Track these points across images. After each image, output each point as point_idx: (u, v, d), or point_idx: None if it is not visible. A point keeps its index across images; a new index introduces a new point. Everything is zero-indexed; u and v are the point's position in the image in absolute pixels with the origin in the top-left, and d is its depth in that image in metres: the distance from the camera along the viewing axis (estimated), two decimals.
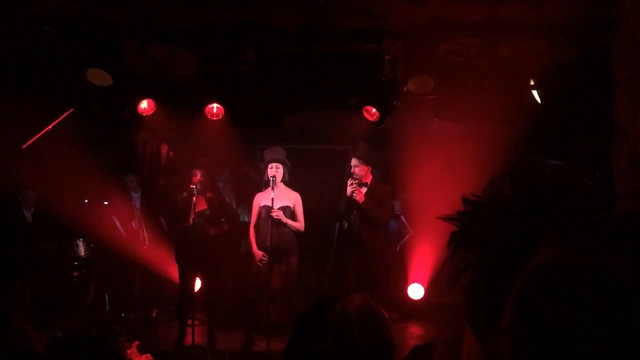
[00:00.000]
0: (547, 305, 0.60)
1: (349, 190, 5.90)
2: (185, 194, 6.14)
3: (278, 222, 5.79)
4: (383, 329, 1.54)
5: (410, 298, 7.52)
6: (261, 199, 6.00)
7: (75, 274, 7.25)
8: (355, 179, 5.94)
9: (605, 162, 4.48)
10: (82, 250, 7.33)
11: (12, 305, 5.88)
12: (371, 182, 6.07)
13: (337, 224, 6.79)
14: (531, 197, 0.92)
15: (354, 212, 5.98)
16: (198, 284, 6.56)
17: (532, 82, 5.55)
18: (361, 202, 5.90)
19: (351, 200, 5.91)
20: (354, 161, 6.02)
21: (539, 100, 5.54)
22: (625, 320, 0.56)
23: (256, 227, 6.04)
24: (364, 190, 5.99)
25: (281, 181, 5.93)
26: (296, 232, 5.96)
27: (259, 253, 5.88)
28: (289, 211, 5.93)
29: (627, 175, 4.07)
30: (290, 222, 5.90)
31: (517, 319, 0.64)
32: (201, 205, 6.12)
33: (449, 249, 0.98)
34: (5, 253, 6.45)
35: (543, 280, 0.62)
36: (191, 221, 5.93)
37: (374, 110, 5.60)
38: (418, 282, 7.50)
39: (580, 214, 0.84)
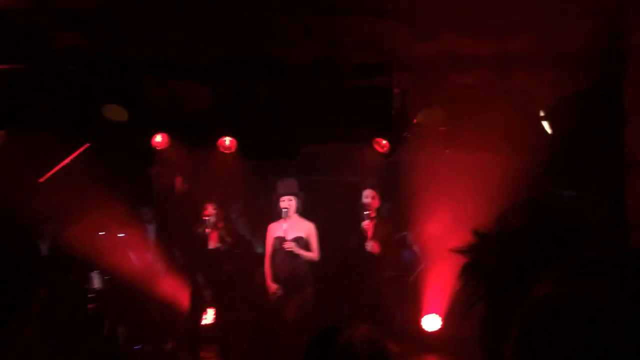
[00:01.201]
0: (543, 338, 0.63)
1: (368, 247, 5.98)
2: (200, 229, 6.19)
3: (291, 254, 5.81)
4: (387, 358, 1.56)
5: (425, 330, 7.43)
6: (275, 230, 6.03)
7: (90, 306, 7.26)
8: (368, 212, 5.97)
9: (619, 192, 4.47)
10: (97, 282, 7.35)
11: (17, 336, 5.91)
12: (378, 217, 6.10)
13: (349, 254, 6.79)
14: (542, 229, 0.94)
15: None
16: (211, 315, 6.54)
17: (542, 113, 5.58)
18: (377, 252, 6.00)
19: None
20: (366, 192, 6.05)
21: (549, 131, 5.56)
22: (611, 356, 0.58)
23: (271, 257, 6.05)
24: (373, 222, 6.03)
25: (295, 212, 5.97)
26: (311, 263, 5.95)
27: (273, 286, 5.87)
28: (302, 242, 5.94)
29: None
30: (303, 252, 5.90)
31: (517, 351, 0.67)
32: (215, 238, 6.16)
33: (460, 280, 1.00)
34: (17, 286, 6.49)
35: (540, 315, 0.65)
36: (206, 255, 5.97)
37: (384, 142, 5.65)
38: (434, 313, 7.41)
39: (593, 246, 0.86)
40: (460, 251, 1.00)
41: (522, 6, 4.35)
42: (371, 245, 5.90)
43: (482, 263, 0.95)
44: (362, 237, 6.02)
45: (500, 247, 0.93)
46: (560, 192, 5.84)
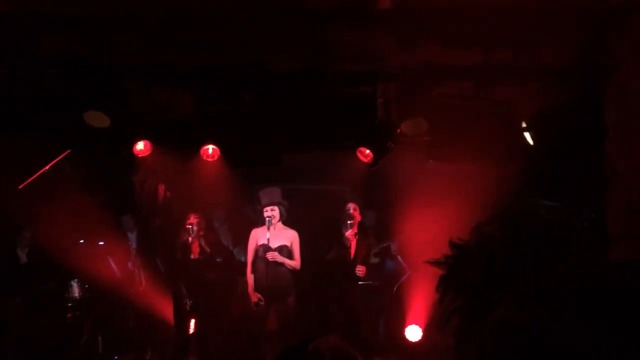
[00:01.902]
0: (496, 356, 0.65)
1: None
2: (182, 237, 6.15)
3: (275, 263, 5.78)
4: None
5: (408, 340, 7.41)
6: (259, 237, 5.99)
7: (69, 315, 7.15)
8: (351, 221, 5.97)
9: (600, 202, 4.51)
10: (76, 291, 7.24)
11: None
12: (359, 231, 6.13)
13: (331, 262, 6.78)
14: (519, 241, 0.93)
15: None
16: (193, 325, 6.47)
17: (524, 125, 5.63)
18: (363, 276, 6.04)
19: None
20: (352, 205, 6.08)
21: (531, 142, 5.61)
22: None
23: (253, 264, 6.01)
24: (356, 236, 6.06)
25: (279, 221, 5.95)
26: (293, 271, 5.93)
27: (255, 295, 5.84)
28: (286, 250, 5.92)
29: (620, 217, 4.09)
30: (287, 261, 5.88)
31: None
32: (197, 246, 6.11)
33: (438, 292, 0.99)
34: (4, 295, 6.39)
35: (494, 333, 0.67)
36: (188, 263, 5.92)
37: (367, 151, 5.66)
38: (416, 324, 7.40)
39: (570, 257, 0.86)
40: (436, 263, 0.99)
41: (505, 19, 4.39)
42: (361, 271, 5.96)
43: (458, 275, 0.94)
44: (345, 248, 6.01)
45: (476, 259, 0.92)
46: (542, 203, 5.89)
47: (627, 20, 4.16)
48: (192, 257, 5.99)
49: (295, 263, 5.95)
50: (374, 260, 6.85)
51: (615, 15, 4.23)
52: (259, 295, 5.79)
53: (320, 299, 6.53)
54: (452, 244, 0.98)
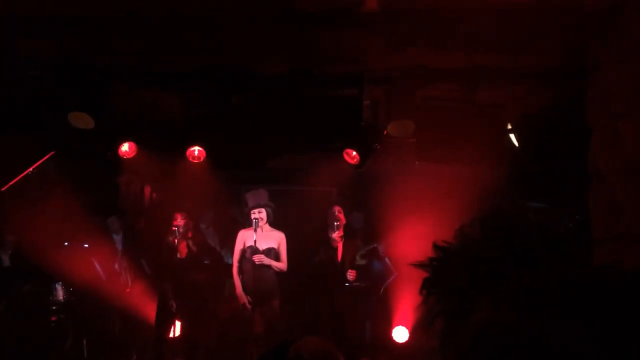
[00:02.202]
0: (482, 358, 0.65)
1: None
2: (168, 238, 6.11)
3: (261, 265, 5.76)
4: None
5: (395, 341, 7.43)
6: (246, 238, 5.97)
7: (54, 318, 7.08)
8: (337, 222, 5.97)
9: (584, 203, 4.56)
10: (60, 294, 7.17)
11: None
12: (345, 233, 6.13)
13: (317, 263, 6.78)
14: (502, 244, 0.94)
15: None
16: (178, 327, 6.44)
17: (509, 126, 5.67)
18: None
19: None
20: (338, 208, 6.09)
21: (516, 143, 5.66)
22: None
23: (240, 266, 6.00)
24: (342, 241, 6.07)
25: (266, 223, 5.94)
26: (278, 274, 5.92)
27: (243, 296, 5.81)
28: (273, 252, 5.91)
29: (604, 219, 4.13)
30: (273, 263, 5.87)
31: None
32: (184, 247, 6.08)
33: (421, 295, 0.99)
34: None
35: (477, 337, 0.67)
36: (174, 264, 5.89)
37: (354, 153, 5.67)
38: (403, 325, 7.42)
39: (553, 259, 0.86)
40: (421, 265, 0.99)
41: (491, 22, 4.42)
42: (351, 274, 5.96)
43: (442, 277, 0.94)
44: (332, 250, 6.02)
45: (459, 261, 0.93)
46: (526, 204, 5.94)
47: (608, 24, 4.21)
48: (179, 256, 5.95)
49: (282, 265, 5.94)
50: (361, 262, 6.85)
51: (598, 19, 4.28)
52: (248, 298, 5.78)
53: (307, 301, 6.53)
54: (435, 246, 0.98)
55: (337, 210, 6.07)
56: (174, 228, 6.00)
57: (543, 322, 0.63)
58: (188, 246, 6.16)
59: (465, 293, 0.90)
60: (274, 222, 6.08)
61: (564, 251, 0.91)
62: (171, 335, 6.15)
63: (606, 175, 4.16)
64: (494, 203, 5.57)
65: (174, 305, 6.06)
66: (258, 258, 5.72)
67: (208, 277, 6.40)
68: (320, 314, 6.29)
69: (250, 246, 5.84)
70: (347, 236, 6.10)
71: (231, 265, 6.38)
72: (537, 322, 0.64)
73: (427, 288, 0.97)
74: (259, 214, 5.88)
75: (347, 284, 6.06)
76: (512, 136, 5.67)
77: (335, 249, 6.02)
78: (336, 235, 5.95)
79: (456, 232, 1.00)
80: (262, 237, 5.81)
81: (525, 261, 0.87)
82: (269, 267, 5.84)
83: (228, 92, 5.64)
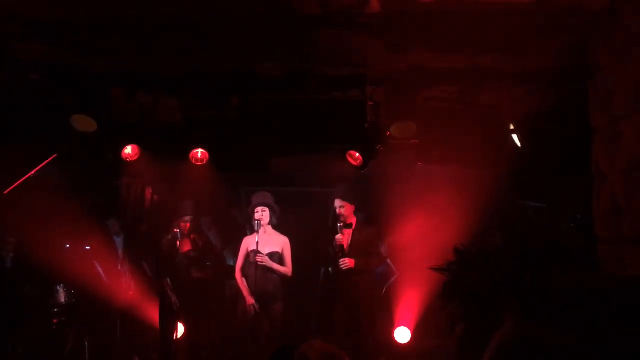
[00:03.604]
0: None
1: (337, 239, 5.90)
2: (170, 236, 6.11)
3: (264, 268, 5.75)
4: None
5: (397, 342, 7.43)
6: (249, 243, 5.97)
7: (55, 321, 7.06)
8: (341, 222, 5.94)
9: (587, 203, 4.57)
10: (62, 296, 7.15)
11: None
12: (357, 224, 6.06)
13: (322, 269, 6.75)
14: (521, 249, 0.95)
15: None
16: (181, 329, 6.43)
17: (512, 127, 5.69)
18: (346, 250, 5.90)
19: (337, 251, 5.91)
20: (338, 202, 6.02)
21: (518, 144, 5.67)
22: None
23: (243, 271, 5.99)
24: (349, 232, 5.98)
25: (268, 224, 5.92)
26: (282, 277, 5.91)
27: (250, 299, 5.80)
28: (277, 256, 5.90)
29: (607, 219, 4.15)
30: (277, 267, 5.86)
31: None
32: (186, 247, 6.09)
33: (443, 299, 1.00)
34: None
35: (505, 352, 0.68)
36: (175, 263, 5.89)
37: (357, 155, 5.68)
38: (405, 326, 7.43)
39: (566, 262, 0.88)
40: (439, 269, 1.01)
41: (491, 23, 4.43)
42: (347, 262, 5.86)
43: (463, 283, 0.96)
44: (337, 249, 5.99)
45: (479, 265, 0.94)
46: (530, 205, 5.95)
47: (608, 25, 4.23)
48: (180, 257, 5.94)
49: (286, 270, 5.92)
50: None
51: (598, 20, 4.30)
52: (254, 299, 5.77)
53: (311, 303, 6.53)
54: (456, 251, 1.00)
55: (339, 205, 6.00)
56: (175, 230, 6.00)
57: (572, 337, 0.64)
58: (190, 246, 6.16)
59: (486, 299, 0.91)
60: (278, 226, 6.07)
61: (569, 253, 0.92)
62: (174, 337, 6.13)
63: (608, 176, 4.18)
64: (502, 207, 5.59)
65: (176, 303, 6.05)
66: (260, 258, 5.71)
67: (209, 277, 6.39)
68: (322, 316, 6.28)
69: (254, 250, 5.84)
70: (353, 233, 6.05)
71: (232, 267, 6.37)
72: (568, 337, 0.64)
73: (448, 294, 0.98)
74: (263, 213, 5.86)
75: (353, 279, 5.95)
76: (514, 137, 5.68)
77: (341, 249, 5.99)
78: (341, 236, 5.92)
79: (475, 237, 1.02)
80: (264, 240, 5.81)
81: (541, 266, 0.88)
82: (272, 270, 5.83)
83: (229, 94, 5.65)
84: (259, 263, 5.71)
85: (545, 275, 0.83)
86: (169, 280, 6.10)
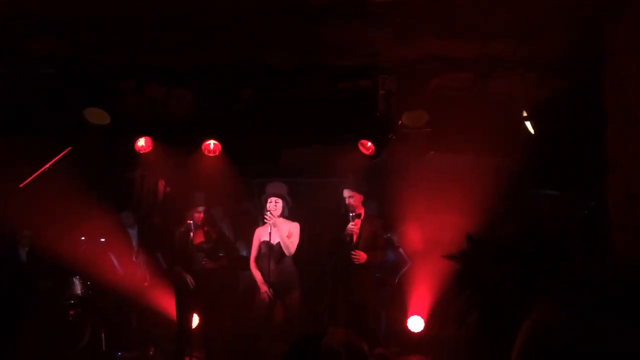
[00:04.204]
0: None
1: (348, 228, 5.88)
2: (182, 228, 6.15)
3: (278, 258, 5.77)
4: (365, 357, 1.65)
5: (410, 331, 7.46)
6: (262, 234, 5.98)
7: (71, 312, 7.15)
8: (352, 212, 5.94)
9: (600, 190, 4.54)
10: (78, 288, 7.24)
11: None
12: (365, 215, 6.05)
13: (333, 257, 6.76)
14: (535, 237, 0.95)
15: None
16: (196, 320, 6.49)
17: (525, 114, 5.64)
18: (355, 236, 5.89)
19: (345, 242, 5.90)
20: (347, 192, 5.99)
21: (532, 131, 5.63)
22: None
23: (257, 262, 6.01)
24: (358, 222, 5.97)
25: (280, 215, 5.92)
26: (298, 266, 5.90)
27: (264, 287, 5.82)
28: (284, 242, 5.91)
29: (622, 206, 4.11)
30: (285, 240, 5.82)
31: None
32: (199, 238, 6.12)
33: (456, 287, 1.01)
34: (5, 294, 6.39)
35: (537, 342, 0.68)
36: (189, 254, 5.93)
37: (369, 144, 5.66)
38: (418, 315, 7.44)
39: (579, 250, 0.88)
40: (453, 257, 1.01)
41: (503, 10, 4.39)
42: (358, 256, 5.84)
43: (476, 269, 0.96)
44: (349, 239, 5.99)
45: (494, 254, 0.94)
46: (543, 192, 5.91)
47: (622, 10, 4.17)
48: (195, 242, 5.98)
49: (289, 248, 5.84)
50: None
51: (611, 5, 4.24)
52: (267, 287, 5.79)
53: (325, 292, 6.54)
54: (469, 239, 1.00)
55: (348, 195, 5.96)
56: (189, 222, 6.04)
57: (600, 328, 0.63)
58: (203, 238, 6.20)
59: (501, 287, 0.92)
60: (289, 217, 6.07)
61: (583, 240, 0.92)
62: (190, 328, 6.20)
63: (622, 161, 4.14)
64: (516, 195, 5.56)
65: (192, 285, 6.10)
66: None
67: (222, 268, 6.44)
68: (336, 305, 6.30)
69: (265, 241, 5.85)
70: (364, 224, 6.04)
71: (245, 258, 6.40)
72: (603, 327, 0.64)
73: (462, 282, 0.98)
74: (276, 204, 5.85)
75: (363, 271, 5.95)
76: (528, 124, 5.64)
77: (352, 239, 5.98)
78: (352, 225, 5.91)
79: (489, 226, 1.02)
80: (275, 230, 5.82)
81: (555, 255, 0.88)
82: (287, 258, 5.83)
83: (240, 87, 5.66)
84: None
85: (570, 263, 0.82)
86: (184, 279, 6.16)
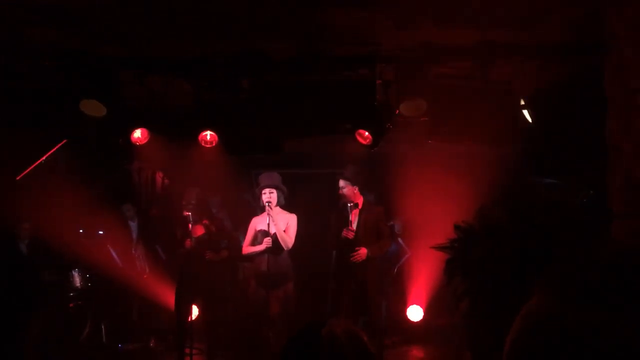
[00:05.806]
0: (539, 351, 0.64)
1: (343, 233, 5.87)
2: (181, 221, 6.14)
3: (273, 249, 5.75)
4: (366, 348, 1.66)
5: (410, 320, 7.47)
6: (258, 223, 5.95)
7: (71, 305, 7.16)
8: (350, 202, 5.91)
9: (600, 178, 4.51)
10: (78, 281, 7.25)
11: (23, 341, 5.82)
12: (364, 204, 6.02)
13: (334, 251, 6.75)
14: (526, 222, 0.92)
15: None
16: (195, 311, 6.50)
17: (522, 102, 5.60)
18: (352, 237, 5.86)
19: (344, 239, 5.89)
20: (341, 182, 5.96)
21: (529, 120, 5.59)
22: None
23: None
24: (356, 211, 5.95)
25: (276, 205, 5.89)
26: (292, 257, 5.90)
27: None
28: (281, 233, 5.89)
29: (622, 194, 4.08)
30: (282, 234, 5.79)
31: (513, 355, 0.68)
32: (199, 231, 6.11)
33: (445, 275, 0.99)
34: (5, 287, 6.39)
35: (534, 329, 0.66)
36: (188, 246, 5.92)
37: (367, 133, 5.62)
38: (417, 304, 7.45)
39: (575, 237, 0.85)
40: (442, 247, 0.98)
41: None
42: (358, 256, 5.82)
43: (465, 257, 0.93)
44: (346, 229, 5.96)
45: (483, 243, 0.91)
46: (542, 180, 5.89)
47: None
48: (194, 234, 5.96)
49: (287, 242, 5.82)
50: None
51: None
52: (267, 239, 5.74)
53: (322, 282, 6.53)
54: (457, 227, 0.97)
55: (342, 185, 5.92)
56: (187, 213, 6.01)
57: (589, 314, 0.62)
58: (203, 230, 6.18)
59: (490, 273, 0.89)
60: (286, 206, 6.05)
61: (582, 228, 0.89)
62: (189, 319, 6.20)
63: (623, 149, 4.11)
64: (511, 183, 5.54)
65: (192, 288, 6.10)
66: (267, 242, 5.70)
67: (222, 259, 6.43)
68: (333, 295, 6.29)
69: (262, 229, 5.83)
70: (362, 214, 6.01)
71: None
72: (584, 313, 0.62)
73: (451, 269, 0.96)
74: (270, 195, 5.82)
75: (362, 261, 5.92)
76: (525, 112, 5.60)
77: (350, 229, 5.96)
78: (352, 217, 5.89)
79: (477, 213, 0.99)
80: (273, 221, 5.79)
81: (548, 240, 0.85)
82: (282, 250, 5.81)
83: (239, 78, 5.62)
84: (265, 246, 5.70)
85: (566, 249, 0.80)
86: (184, 271, 6.16)
